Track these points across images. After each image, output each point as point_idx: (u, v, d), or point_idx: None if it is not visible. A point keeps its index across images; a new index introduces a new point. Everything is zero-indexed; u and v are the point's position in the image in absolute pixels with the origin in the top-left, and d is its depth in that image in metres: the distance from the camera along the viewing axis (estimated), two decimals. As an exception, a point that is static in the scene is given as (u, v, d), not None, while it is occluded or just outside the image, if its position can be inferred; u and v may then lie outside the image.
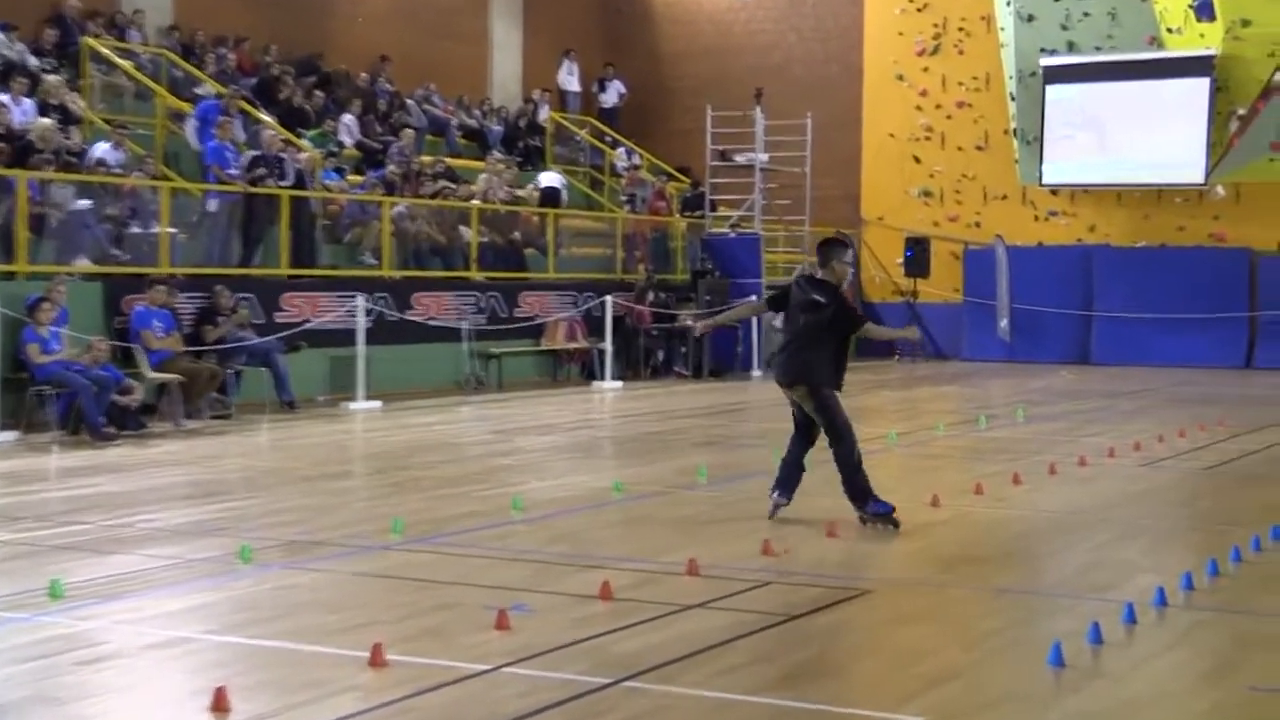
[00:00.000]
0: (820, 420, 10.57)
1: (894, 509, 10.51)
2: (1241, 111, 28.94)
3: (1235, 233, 29.79)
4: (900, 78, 32.74)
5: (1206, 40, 28.88)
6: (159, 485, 12.87)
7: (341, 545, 9.84)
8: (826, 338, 10.54)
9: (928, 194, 32.66)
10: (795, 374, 10.65)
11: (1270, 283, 29.01)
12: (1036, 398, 22.14)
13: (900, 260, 31.83)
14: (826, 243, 10.93)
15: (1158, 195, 30.55)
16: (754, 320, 26.52)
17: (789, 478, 10.78)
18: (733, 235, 28.62)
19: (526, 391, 22.81)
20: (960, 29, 32.21)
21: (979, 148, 32.12)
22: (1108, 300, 30.01)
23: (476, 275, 23.95)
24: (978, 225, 32.03)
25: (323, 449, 15.67)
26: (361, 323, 19.96)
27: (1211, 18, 28.53)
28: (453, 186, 24.85)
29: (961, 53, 32.19)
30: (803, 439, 10.80)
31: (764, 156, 29.02)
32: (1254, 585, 8.86)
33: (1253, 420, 18.64)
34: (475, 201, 24.84)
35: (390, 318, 21.54)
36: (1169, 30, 29.54)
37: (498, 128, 30.23)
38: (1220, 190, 29.67)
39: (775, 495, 10.79)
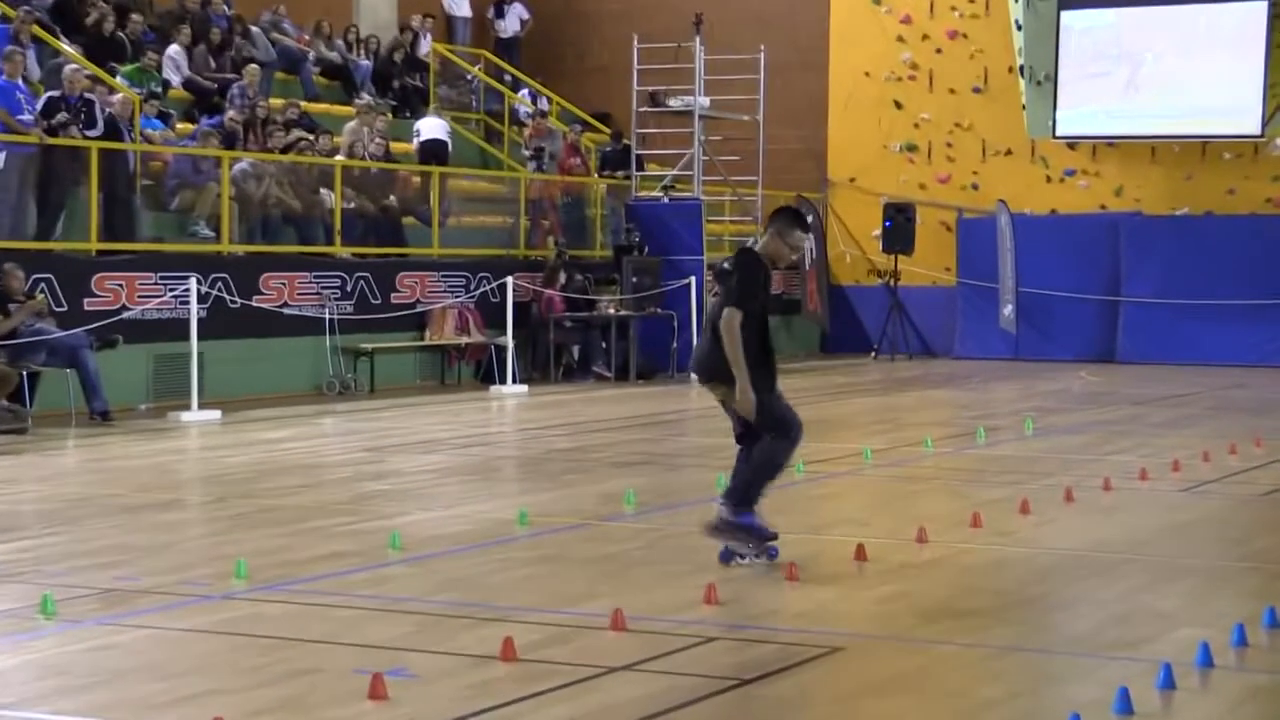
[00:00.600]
0: (759, 423, 10.45)
1: (775, 536, 10.57)
2: (1307, 45, 29.37)
3: (1299, 198, 30.25)
4: (877, 2, 32.96)
5: (1264, -46, 29.27)
6: (-66, 519, 12.79)
7: (172, 594, 9.82)
8: (748, 316, 10.37)
9: (912, 149, 32.91)
10: (710, 369, 10.63)
11: (1342, 261, 29.43)
12: (1049, 405, 22.36)
13: (877, 233, 32.04)
14: (778, 211, 10.99)
15: (1202, 150, 30.94)
16: (694, 309, 26.61)
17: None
18: (666, 201, 28.72)
19: (406, 398, 22.80)
20: (953, -60, 32.50)
21: (976, 90, 32.42)
22: (1138, 283, 30.33)
23: (341, 251, 23.93)
24: (975, 188, 32.34)
25: (146, 472, 15.59)
26: (194, 311, 19.88)
27: (1269, -73, 28.96)
28: (310, 138, 24.80)
29: (955, -30, 32.49)
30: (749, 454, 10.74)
31: (705, 101, 29.15)
32: (1319, 639, 9.02)
33: (1318, 433, 18.92)
34: (339, 158, 24.81)
35: (231, 305, 21.49)
36: (1216, -58, 29.93)
37: (366, 63, 30.18)
38: None
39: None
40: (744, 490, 10.52)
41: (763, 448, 10.51)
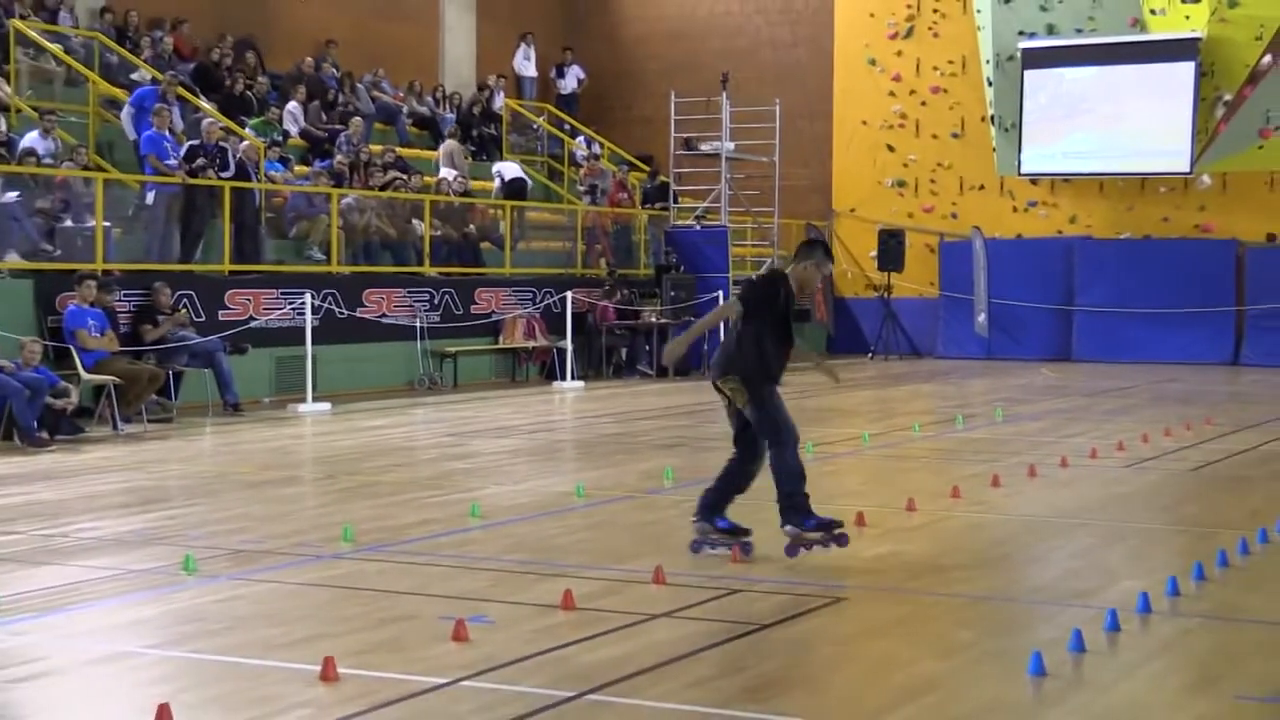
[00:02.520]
0: (756, 423, 9.67)
1: (840, 523, 9.78)
2: (1228, 97, 29.20)
3: (1222, 224, 30.03)
4: (873, 62, 32.88)
5: (1191, 22, 29.12)
6: (96, 493, 12.83)
7: (290, 554, 9.85)
8: (760, 323, 9.68)
9: (902, 184, 32.82)
10: (719, 365, 9.81)
11: (1258, 276, 29.25)
12: (1016, 396, 22.29)
13: (873, 254, 31.94)
14: (813, 244, 10.28)
15: (1141, 185, 30.79)
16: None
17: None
18: (698, 228, 28.69)
19: (483, 392, 22.82)
20: (935, 10, 32.39)
21: (955, 135, 32.30)
22: (1089, 294, 30.20)
23: (430, 270, 23.95)
24: (954, 217, 32.23)
25: (269, 453, 15.64)
26: (309, 321, 19.93)
27: (1196, -1, 28.79)
28: (404, 178, 24.84)
29: (936, 35, 32.36)
30: (736, 458, 9.92)
31: (730, 145, 29.11)
32: (1240, 590, 8.97)
33: (1240, 419, 18.81)
34: (443, 192, 24.85)
35: (339, 315, 21.53)
36: (1152, 12, 29.76)
37: (450, 115, 30.23)
38: (1206, 179, 29.90)
39: (695, 521, 9.89)
40: (791, 502, 9.62)
41: (775, 465, 9.62)
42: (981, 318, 30.61)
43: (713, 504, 9.85)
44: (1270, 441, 16.48)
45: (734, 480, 9.87)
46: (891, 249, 31.14)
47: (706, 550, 9.80)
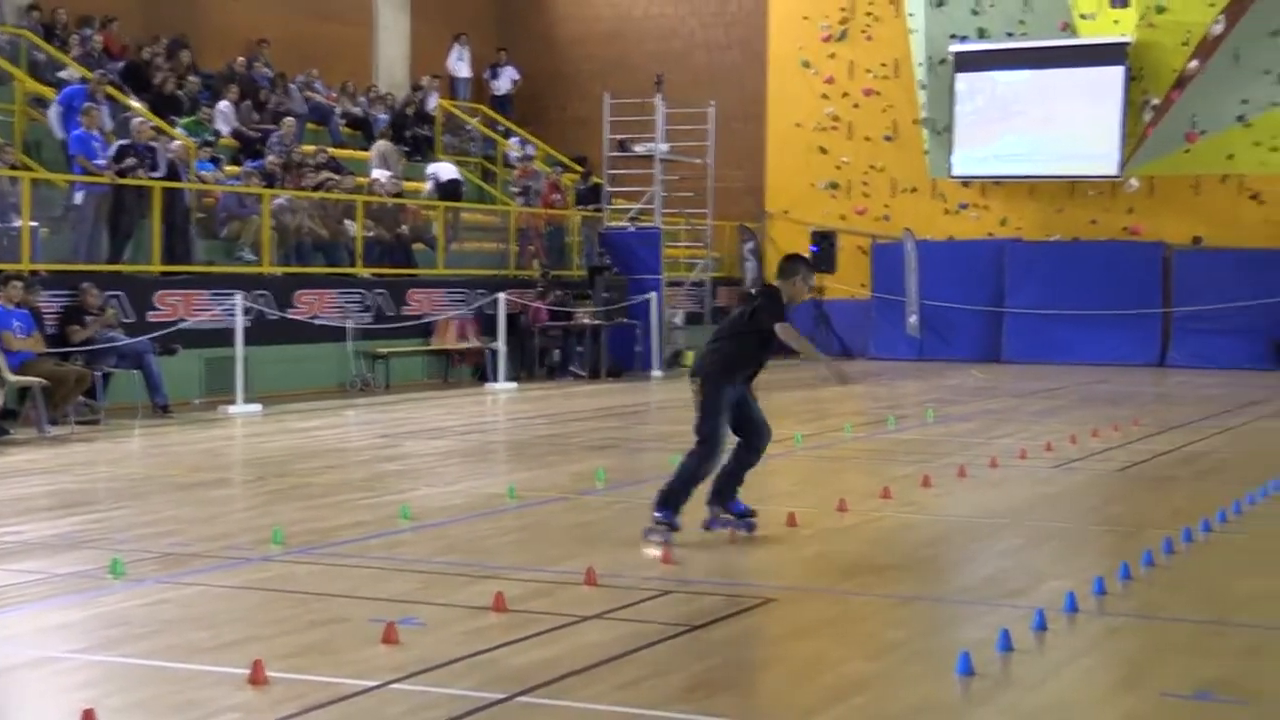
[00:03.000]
0: (700, 418, 10.33)
1: (677, 527, 10.29)
2: (1156, 101, 29.50)
3: (1149, 226, 30.32)
4: (806, 65, 33.00)
5: (1120, 27, 29.41)
6: (22, 495, 12.70)
7: (219, 557, 9.78)
8: (740, 334, 10.44)
9: (834, 186, 32.94)
10: (697, 366, 10.53)
11: (1184, 278, 29.55)
12: (947, 397, 22.42)
13: (806, 255, 31.98)
14: (798, 259, 10.86)
15: (1070, 188, 31.04)
16: (655, 318, 26.69)
17: (734, 487, 10.66)
18: (632, 229, 28.69)
19: (415, 393, 22.73)
20: (868, 14, 32.52)
21: (887, 138, 32.46)
22: (1019, 296, 30.41)
23: (362, 272, 23.84)
24: (886, 219, 32.37)
25: (199, 455, 15.52)
26: (240, 322, 19.78)
27: (1125, 3, 29.09)
28: (336, 178, 24.71)
29: (869, 39, 32.50)
30: (740, 443, 10.60)
31: (664, 147, 29.12)
32: (1165, 589, 9.06)
33: (1165, 420, 19.01)
34: (376, 193, 24.73)
35: (270, 316, 21.39)
36: (1082, 16, 30.03)
37: (384, 116, 30.10)
38: (1134, 183, 30.17)
39: (736, 508, 10.63)
40: (668, 494, 10.33)
41: (687, 462, 10.36)
42: (913, 319, 30.77)
43: (722, 489, 10.59)
44: (1195, 442, 16.66)
45: (743, 462, 10.60)
46: (824, 251, 31.23)
47: (716, 529, 10.55)
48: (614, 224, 29.04)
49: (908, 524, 11.46)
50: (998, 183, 31.60)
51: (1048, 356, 29.19)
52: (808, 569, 9.67)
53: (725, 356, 10.39)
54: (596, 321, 26.21)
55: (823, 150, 32.94)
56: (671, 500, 10.32)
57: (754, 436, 10.56)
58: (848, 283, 31.93)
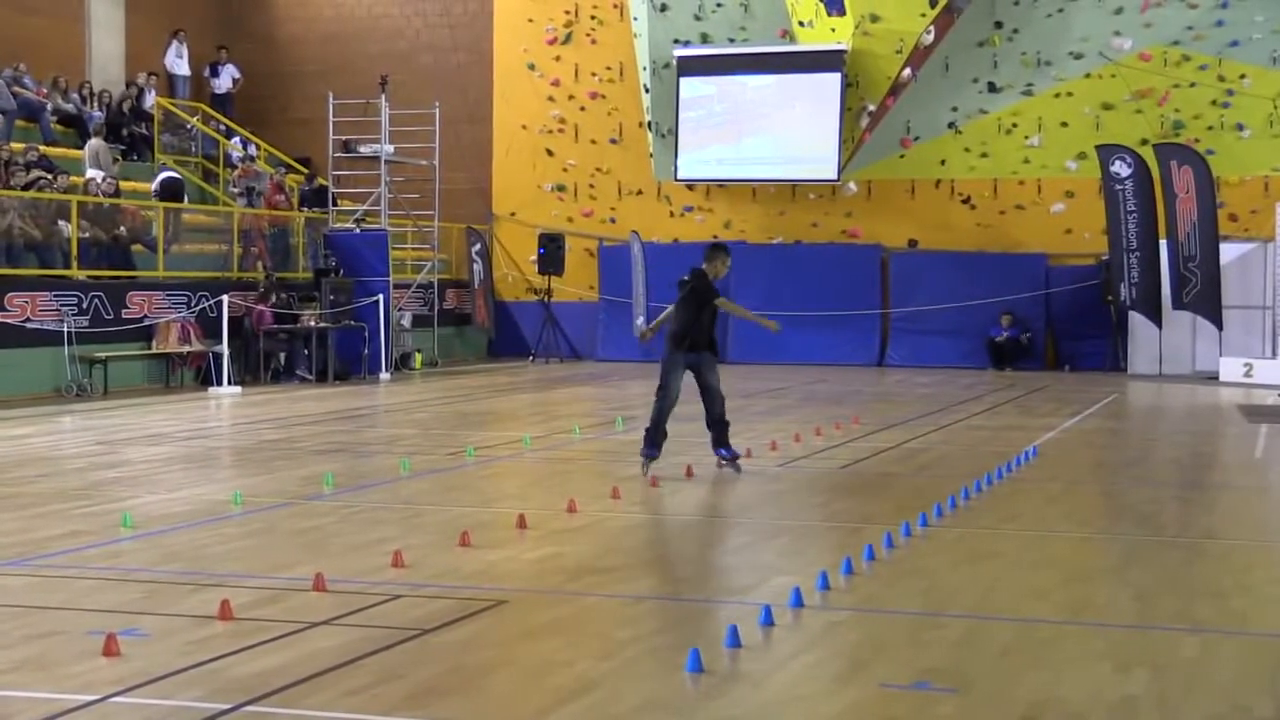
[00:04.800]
0: (663, 373, 14.06)
1: (654, 456, 13.80)
2: (872, 107, 30.35)
3: (867, 229, 31.18)
4: (532, 67, 33.09)
5: (837, 35, 30.15)
6: None
7: (-74, 572, 9.39)
8: (684, 310, 13.88)
9: (561, 189, 33.10)
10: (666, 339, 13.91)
11: (901, 280, 30.49)
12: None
13: (534, 258, 32.10)
14: (717, 247, 14.64)
15: (792, 191, 31.72)
16: (382, 320, 26.46)
17: (717, 437, 14.01)
18: (357, 231, 28.40)
19: (136, 399, 22.13)
20: (593, 17, 32.75)
21: (613, 141, 32.73)
22: (743, 298, 30.73)
23: (78, 274, 23.13)
24: (613, 221, 32.65)
25: (-97, 466, 14.88)
26: (-54, 326, 19.04)
27: (841, 12, 29.83)
28: (49, 177, 23.92)
29: (594, 42, 32.74)
30: (704, 403, 14.07)
31: (390, 148, 28.90)
32: (887, 583, 9.33)
33: (885, 418, 19.57)
34: (92, 193, 23.97)
35: (-21, 320, 20.64)
36: (801, 24, 30.72)
37: (98, 114, 29.24)
38: (852, 186, 31.01)
39: (722, 453, 13.91)
40: (650, 434, 13.88)
41: (652, 410, 13.98)
42: (640, 321, 31.05)
43: (717, 438, 14.04)
44: (912, 439, 17.20)
45: (713, 416, 14.02)
46: (551, 253, 31.33)
47: (725, 458, 13.92)
48: (339, 226, 28.70)
49: (637, 524, 11.59)
50: (722, 186, 32.13)
51: (771, 357, 29.71)
52: (539, 570, 9.71)
53: (674, 331, 13.96)
54: (323, 324, 25.88)
55: (549, 152, 33.08)
56: (648, 438, 13.83)
57: (708, 402, 14.01)
58: (576, 285, 32.11)
